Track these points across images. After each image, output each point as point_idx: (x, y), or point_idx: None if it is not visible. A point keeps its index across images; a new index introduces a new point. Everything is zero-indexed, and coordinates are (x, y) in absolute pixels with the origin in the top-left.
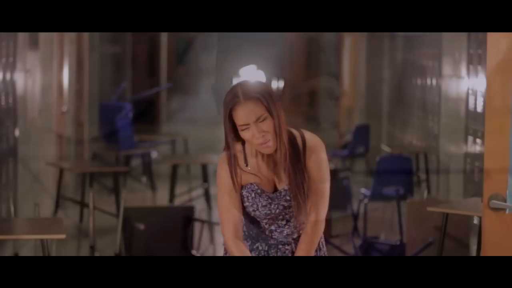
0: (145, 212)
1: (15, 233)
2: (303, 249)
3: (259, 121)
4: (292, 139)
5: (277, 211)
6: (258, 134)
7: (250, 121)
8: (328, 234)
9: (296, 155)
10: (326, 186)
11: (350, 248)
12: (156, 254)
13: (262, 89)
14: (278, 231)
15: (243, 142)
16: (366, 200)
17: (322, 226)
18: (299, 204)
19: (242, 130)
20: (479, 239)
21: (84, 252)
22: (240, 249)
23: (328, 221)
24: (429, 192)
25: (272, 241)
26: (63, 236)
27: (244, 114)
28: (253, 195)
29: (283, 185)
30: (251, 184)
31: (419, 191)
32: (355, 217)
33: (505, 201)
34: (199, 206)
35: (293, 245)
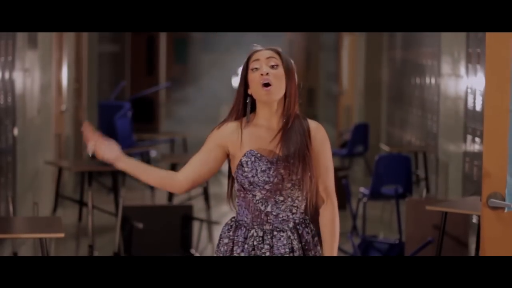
0: (144, 211)
1: (14, 232)
2: (329, 251)
3: (270, 64)
4: (300, 117)
5: (276, 179)
6: (265, 71)
7: (262, 57)
8: None
9: (301, 126)
10: (330, 163)
11: (349, 247)
12: (155, 253)
13: (286, 55)
14: (274, 214)
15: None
16: (365, 199)
17: (337, 210)
18: (301, 173)
19: (252, 70)
20: (478, 238)
21: (83, 251)
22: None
23: None
24: (428, 191)
25: (267, 227)
26: (62, 235)
27: (258, 54)
28: (252, 159)
29: (284, 151)
30: (250, 150)
31: (418, 190)
32: (354, 216)
33: (504, 200)
34: (198, 205)
35: (288, 233)
